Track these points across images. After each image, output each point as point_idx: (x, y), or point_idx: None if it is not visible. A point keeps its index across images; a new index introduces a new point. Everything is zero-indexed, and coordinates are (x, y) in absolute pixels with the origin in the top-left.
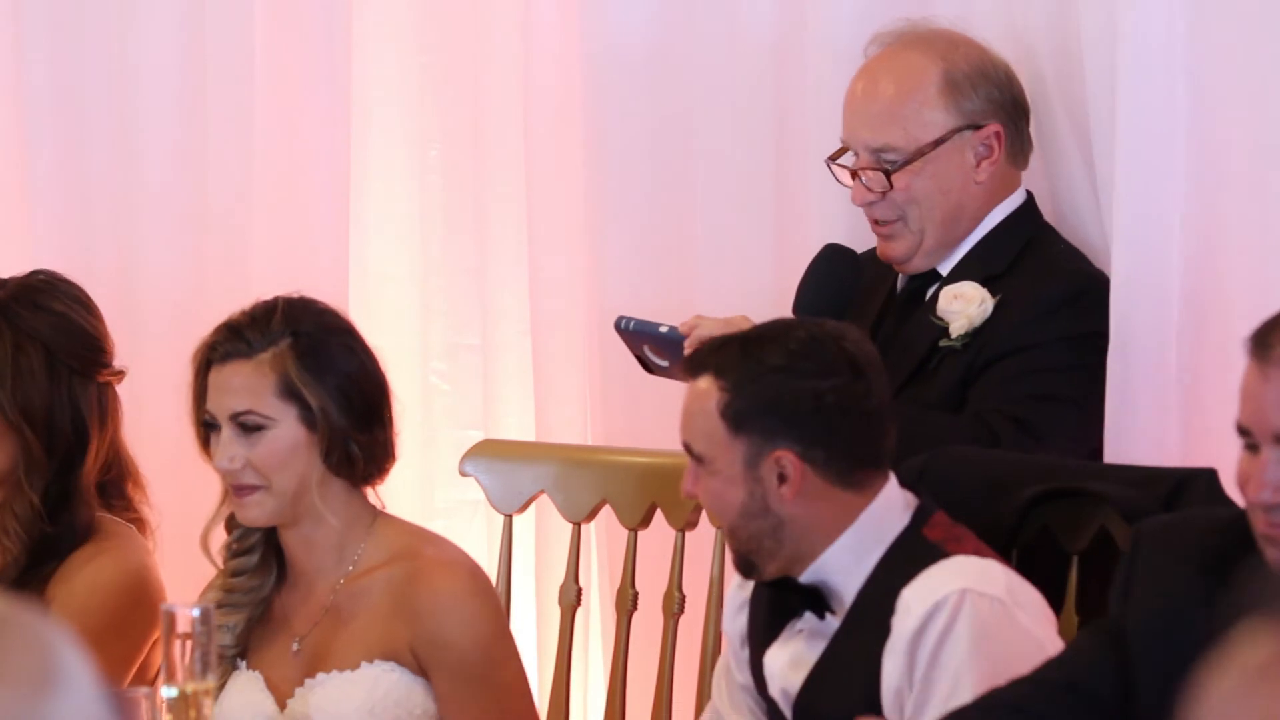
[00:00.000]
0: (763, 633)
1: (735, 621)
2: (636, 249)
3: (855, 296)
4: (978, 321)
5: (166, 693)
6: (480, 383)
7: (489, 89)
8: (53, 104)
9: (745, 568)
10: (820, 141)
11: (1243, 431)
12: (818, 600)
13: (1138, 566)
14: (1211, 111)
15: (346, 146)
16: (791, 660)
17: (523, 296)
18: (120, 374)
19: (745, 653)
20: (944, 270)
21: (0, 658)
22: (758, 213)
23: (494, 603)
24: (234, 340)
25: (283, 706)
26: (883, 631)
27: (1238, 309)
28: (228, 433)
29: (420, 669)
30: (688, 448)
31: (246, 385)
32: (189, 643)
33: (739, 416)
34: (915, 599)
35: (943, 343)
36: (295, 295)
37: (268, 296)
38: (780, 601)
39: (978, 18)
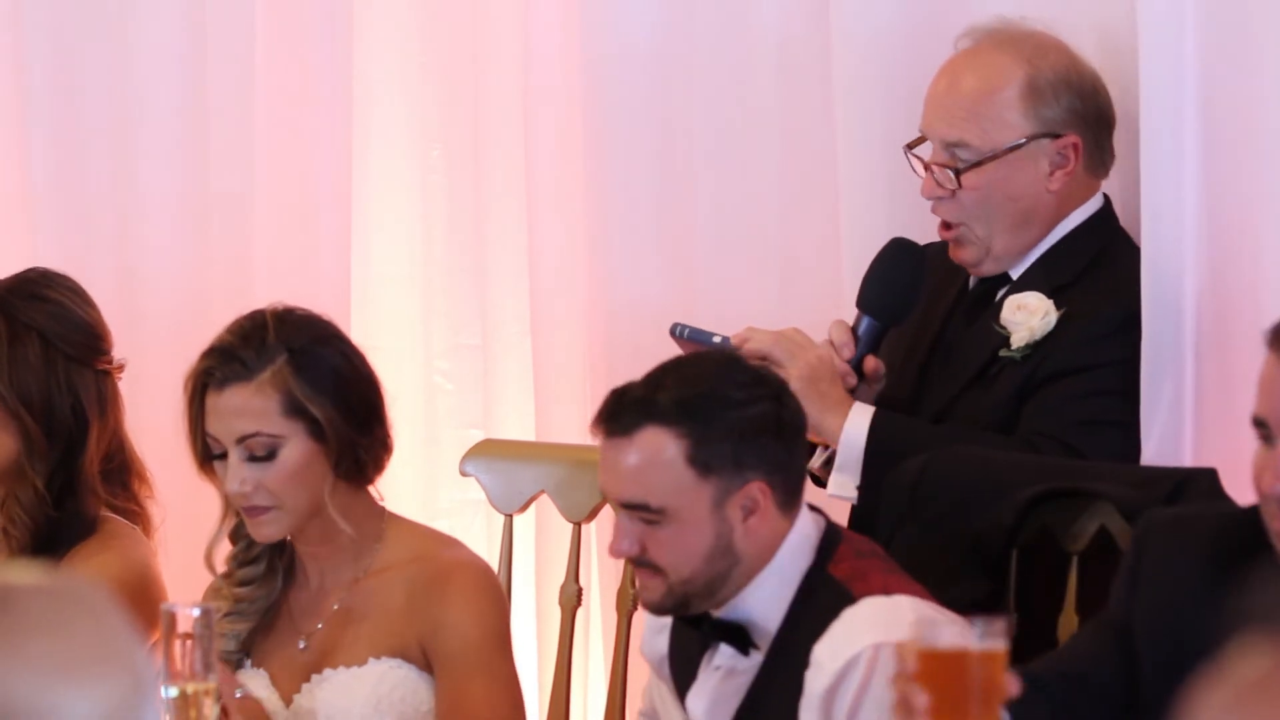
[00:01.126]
0: (685, 668)
1: (654, 643)
2: (638, 249)
3: (921, 292)
4: (1039, 334)
5: (167, 693)
6: (481, 382)
7: (489, 89)
8: (53, 104)
9: (678, 608)
10: (827, 142)
11: (1258, 423)
12: (739, 636)
13: (1145, 560)
14: (1225, 116)
15: (348, 147)
16: (711, 702)
17: (523, 297)
18: (120, 366)
19: (666, 671)
20: (1014, 275)
21: (112, 648)
22: (761, 214)
23: (502, 604)
24: (229, 363)
25: (288, 703)
26: (797, 685)
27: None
28: (235, 457)
29: (427, 664)
30: (641, 506)
31: (250, 407)
32: (190, 643)
33: (709, 457)
34: (827, 656)
35: (1003, 352)
36: (280, 307)
37: (257, 307)
38: (699, 636)
39: (1067, 21)
